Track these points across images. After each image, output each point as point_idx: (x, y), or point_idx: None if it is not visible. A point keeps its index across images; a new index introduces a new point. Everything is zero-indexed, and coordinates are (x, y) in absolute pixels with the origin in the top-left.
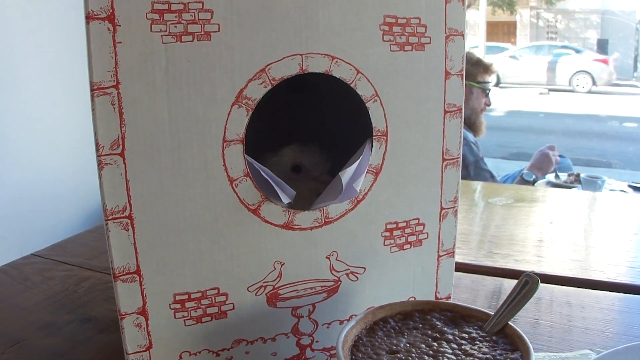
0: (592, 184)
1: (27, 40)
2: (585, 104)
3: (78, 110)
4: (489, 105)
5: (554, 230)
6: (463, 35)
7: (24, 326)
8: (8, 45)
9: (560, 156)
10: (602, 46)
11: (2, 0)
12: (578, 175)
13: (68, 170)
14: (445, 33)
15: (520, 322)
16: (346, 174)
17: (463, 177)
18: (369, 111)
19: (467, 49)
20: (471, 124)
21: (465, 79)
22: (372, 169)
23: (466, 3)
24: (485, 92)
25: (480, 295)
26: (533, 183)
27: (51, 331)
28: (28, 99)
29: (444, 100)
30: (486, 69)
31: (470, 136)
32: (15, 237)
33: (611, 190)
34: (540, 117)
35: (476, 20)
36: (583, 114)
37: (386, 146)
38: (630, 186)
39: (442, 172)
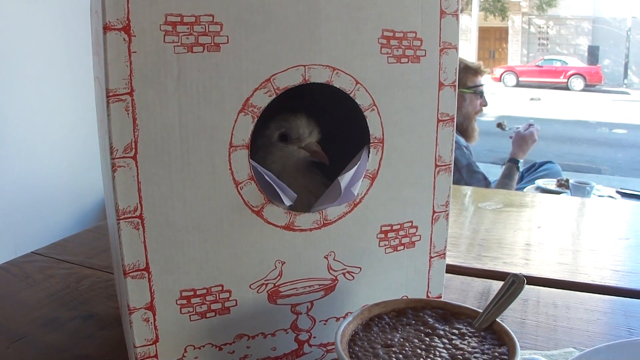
0: (581, 190)
1: (27, 41)
2: (577, 106)
3: (76, 111)
4: (485, 105)
5: (541, 235)
6: (456, 49)
7: (28, 322)
8: (7, 46)
9: (549, 162)
10: (593, 53)
11: (2, 0)
12: (567, 181)
13: (64, 171)
14: (440, 46)
15: (507, 322)
16: (345, 179)
17: (456, 181)
18: (367, 119)
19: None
20: (463, 130)
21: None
22: (368, 174)
23: (459, 13)
24: (478, 95)
25: (470, 295)
26: (518, 169)
27: (54, 327)
28: (26, 100)
29: (438, 109)
30: (475, 71)
31: (461, 140)
32: (10, 236)
33: (599, 196)
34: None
35: (468, 25)
36: (573, 120)
37: (382, 153)
38: (618, 192)
39: (434, 177)
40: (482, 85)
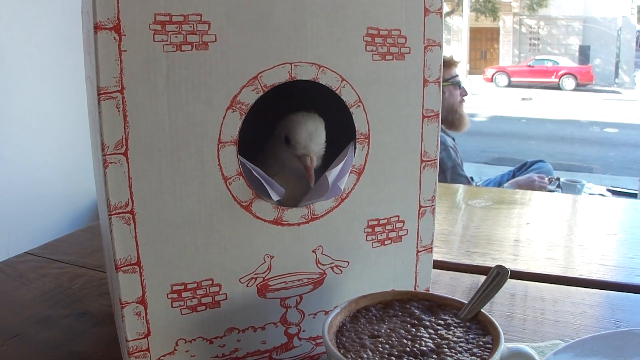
0: (572, 188)
1: (19, 43)
2: (569, 106)
3: (69, 112)
4: (465, 95)
5: (531, 231)
6: (440, 46)
7: (22, 320)
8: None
9: (540, 161)
10: (584, 53)
11: None
12: (558, 179)
13: (57, 172)
14: (424, 44)
15: (495, 315)
16: (332, 174)
17: (440, 182)
18: (353, 116)
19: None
20: (450, 122)
21: None
22: (355, 170)
23: (445, 11)
24: (456, 86)
25: (458, 290)
26: None
27: (48, 325)
28: (19, 101)
29: (422, 105)
30: (449, 64)
31: (448, 140)
32: (4, 236)
33: (590, 194)
34: (523, 122)
35: (459, 26)
36: (564, 119)
37: (368, 148)
38: (609, 190)
39: (420, 172)
40: (457, 75)
